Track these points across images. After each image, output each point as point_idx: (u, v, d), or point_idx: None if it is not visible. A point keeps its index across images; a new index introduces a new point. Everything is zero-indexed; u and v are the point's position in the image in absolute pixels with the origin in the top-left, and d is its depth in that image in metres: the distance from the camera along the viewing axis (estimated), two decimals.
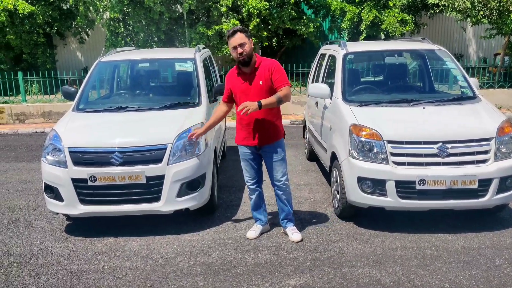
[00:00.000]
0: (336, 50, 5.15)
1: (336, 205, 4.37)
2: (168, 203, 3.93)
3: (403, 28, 13.78)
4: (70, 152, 3.90)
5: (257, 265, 3.45)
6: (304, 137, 7.06)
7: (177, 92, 5.15)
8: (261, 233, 4.01)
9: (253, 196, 3.97)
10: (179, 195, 3.95)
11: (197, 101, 4.74)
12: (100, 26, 14.32)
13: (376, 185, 3.82)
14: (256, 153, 3.84)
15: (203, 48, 6.66)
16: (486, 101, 4.34)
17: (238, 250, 3.71)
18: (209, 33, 12.30)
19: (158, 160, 3.90)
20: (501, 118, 3.93)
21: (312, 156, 6.32)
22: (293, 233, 3.90)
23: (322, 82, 5.56)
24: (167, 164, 3.90)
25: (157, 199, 3.92)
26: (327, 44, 6.28)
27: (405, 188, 3.74)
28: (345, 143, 4.07)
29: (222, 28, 12.27)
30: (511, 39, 11.20)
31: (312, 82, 6.29)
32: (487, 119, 3.94)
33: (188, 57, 5.26)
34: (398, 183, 3.73)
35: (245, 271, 3.36)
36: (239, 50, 3.53)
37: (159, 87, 5.13)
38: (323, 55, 6.03)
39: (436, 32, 17.29)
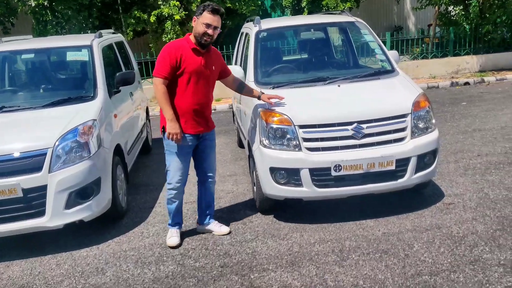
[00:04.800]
0: (250, 28, 4.71)
1: (255, 198, 3.99)
2: (54, 217, 3.36)
3: (345, 4, 13.60)
4: None
5: (156, 280, 3.00)
6: (234, 122, 6.64)
7: (69, 85, 4.49)
8: None
9: (179, 200, 3.47)
10: (68, 206, 3.39)
11: (92, 95, 4.13)
12: (28, 14, 13.04)
13: (290, 175, 3.46)
14: (195, 144, 3.40)
15: (113, 33, 6.00)
16: (404, 74, 4.07)
17: (138, 263, 3.24)
18: (145, 17, 11.65)
19: (37, 168, 3.31)
20: (417, 92, 3.66)
21: (242, 143, 5.91)
22: (221, 226, 3.64)
23: (240, 63, 5.12)
24: (49, 172, 3.32)
25: (40, 213, 3.35)
26: (247, 22, 5.81)
27: (320, 175, 3.40)
28: (256, 131, 3.67)
29: (162, 12, 11.56)
30: (441, 9, 11.24)
31: (235, 64, 5.82)
32: (402, 94, 3.66)
33: (83, 44, 4.59)
34: (313, 171, 3.39)
35: None
36: (211, 31, 3.16)
37: (47, 81, 4.43)
38: (242, 34, 5.56)
39: (374, 5, 17.30)
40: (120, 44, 5.85)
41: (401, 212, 3.65)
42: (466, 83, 9.65)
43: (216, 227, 3.62)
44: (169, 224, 3.59)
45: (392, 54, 4.34)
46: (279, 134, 3.50)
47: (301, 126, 3.43)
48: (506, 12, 10.25)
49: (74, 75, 4.67)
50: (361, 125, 3.40)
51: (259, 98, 3.64)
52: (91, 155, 3.55)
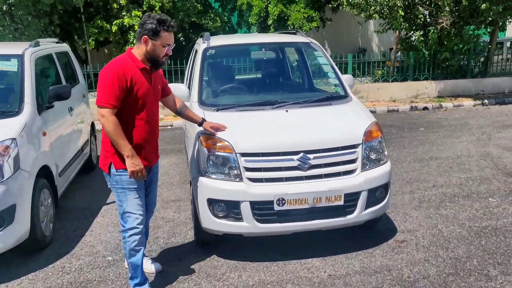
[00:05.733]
0: (199, 44, 4.43)
1: (194, 230, 3.64)
2: None
3: (310, 24, 13.69)
4: None
5: None
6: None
7: None
8: None
9: (143, 246, 2.88)
10: None
11: (16, 110, 3.69)
12: None
13: (230, 208, 3.14)
14: (147, 177, 2.91)
15: (56, 42, 5.56)
16: (357, 100, 3.88)
17: None
18: (108, 26, 11.61)
19: None
20: (369, 120, 3.45)
21: None
22: (152, 264, 3.24)
23: (188, 81, 4.81)
24: None
25: None
26: (200, 37, 5.53)
27: (262, 209, 3.10)
28: (196, 157, 3.34)
29: (124, 22, 11.50)
30: (402, 34, 11.44)
31: (187, 81, 5.50)
32: (354, 123, 3.44)
33: (13, 53, 4.15)
34: (254, 204, 3.09)
35: None
36: (169, 51, 2.82)
37: None
38: (193, 50, 5.27)
39: (340, 26, 17.54)
40: (63, 55, 5.42)
41: (351, 250, 3.39)
42: (425, 108, 9.76)
43: (147, 265, 3.22)
44: (136, 284, 2.87)
45: (346, 78, 4.15)
46: (219, 162, 3.19)
47: (243, 154, 3.14)
48: (462, 41, 10.53)
49: None
50: (308, 155, 3.14)
51: (200, 125, 3.29)
52: (4, 179, 3.12)
